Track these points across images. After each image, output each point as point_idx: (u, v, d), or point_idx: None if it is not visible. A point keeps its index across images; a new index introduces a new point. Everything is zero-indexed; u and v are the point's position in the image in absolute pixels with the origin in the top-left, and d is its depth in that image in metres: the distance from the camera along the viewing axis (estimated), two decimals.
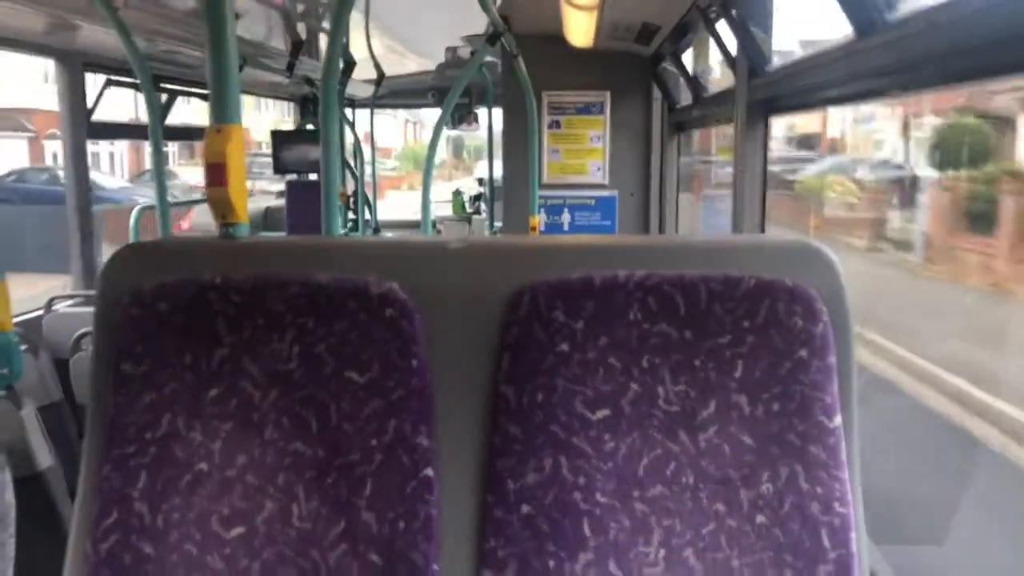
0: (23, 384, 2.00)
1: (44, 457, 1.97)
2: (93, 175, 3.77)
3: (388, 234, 6.45)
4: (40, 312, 3.08)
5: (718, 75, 3.83)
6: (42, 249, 6.51)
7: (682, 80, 4.17)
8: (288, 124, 6.91)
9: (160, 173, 3.33)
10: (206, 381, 1.04)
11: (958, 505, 2.17)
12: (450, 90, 3.01)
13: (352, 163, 6.12)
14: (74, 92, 3.39)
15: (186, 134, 4.54)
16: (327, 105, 1.78)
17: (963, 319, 2.68)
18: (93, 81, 3.53)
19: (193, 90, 4.04)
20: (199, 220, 7.95)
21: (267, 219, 6.70)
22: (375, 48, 5.02)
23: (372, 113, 6.49)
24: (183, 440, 1.03)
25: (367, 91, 5.74)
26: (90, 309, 1.10)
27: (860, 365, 1.06)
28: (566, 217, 4.79)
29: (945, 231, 3.01)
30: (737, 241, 1.15)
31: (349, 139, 6.13)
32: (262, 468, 1.04)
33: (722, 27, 2.91)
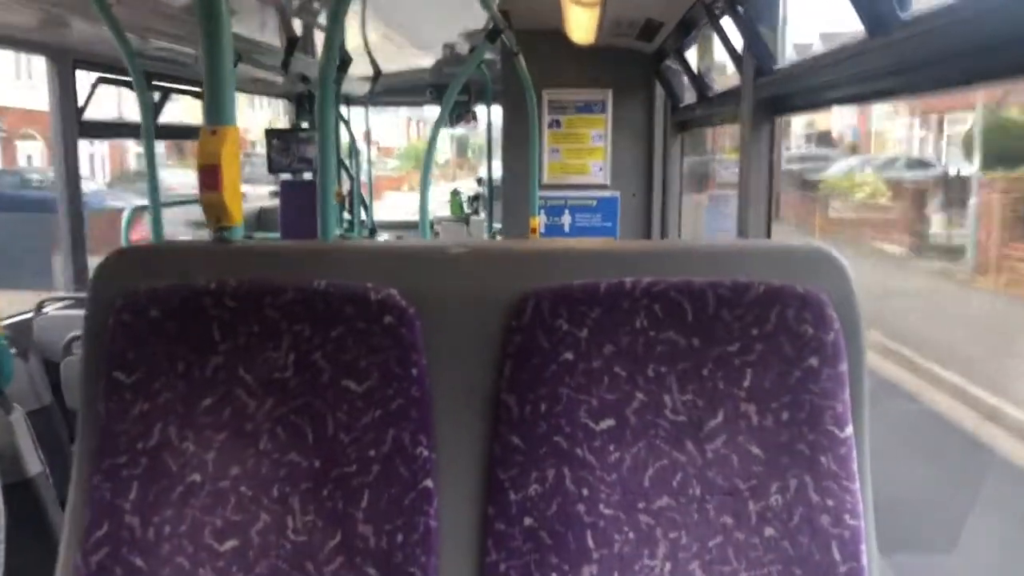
0: (13, 388, 1.97)
1: (33, 463, 1.94)
2: None
3: (384, 235, 6.43)
4: (31, 314, 3.05)
5: (723, 73, 3.80)
6: (11, 263, 5.96)
7: (686, 78, 4.14)
8: (282, 122, 6.87)
9: (153, 174, 3.29)
10: (199, 389, 1.01)
11: None
12: (448, 87, 2.98)
13: (348, 162, 6.09)
14: (65, 90, 3.36)
15: (180, 133, 4.51)
16: (323, 103, 1.75)
17: None
18: (83, 79, 3.49)
19: (186, 88, 4.01)
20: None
21: (261, 220, 6.67)
22: (372, 44, 4.99)
23: (367, 111, 6.47)
24: (176, 450, 1.01)
25: (363, 88, 5.72)
26: (81, 312, 1.07)
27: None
28: (567, 218, 4.76)
29: (997, 237, 2.67)
30: (745, 246, 1.12)
31: (345, 138, 6.11)
32: (256, 479, 1.01)
33: (728, 24, 2.88)
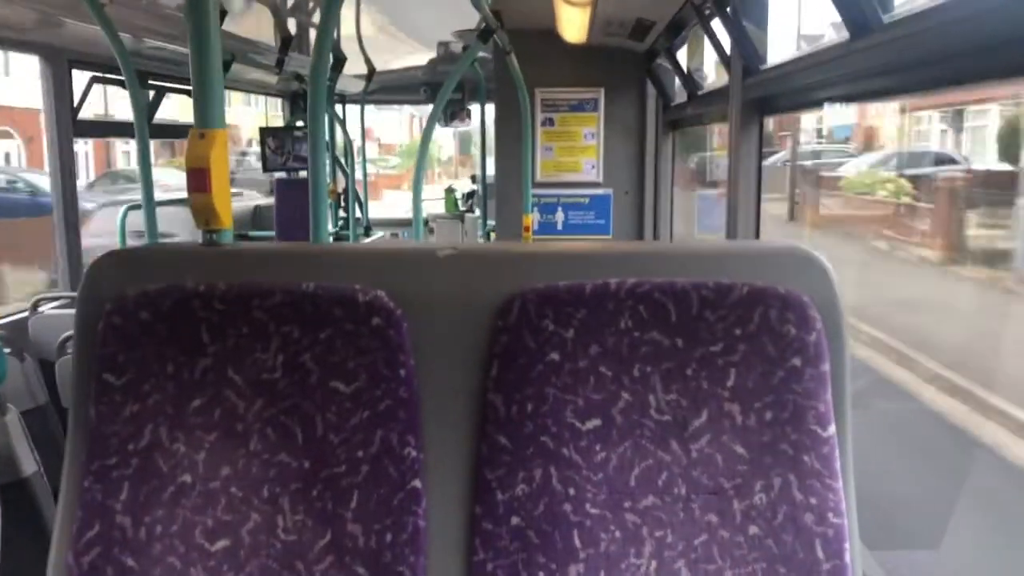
0: (7, 387, 1.98)
1: (28, 463, 1.94)
2: (35, 177, 3.71)
3: (380, 233, 6.42)
4: (26, 314, 3.05)
5: (713, 73, 3.81)
6: None
7: (677, 77, 4.15)
8: (280, 118, 6.85)
9: (147, 173, 3.29)
10: (189, 391, 1.02)
11: None
12: (442, 86, 2.98)
13: (343, 160, 6.08)
14: (60, 90, 3.35)
15: (175, 132, 4.50)
16: (315, 101, 1.75)
17: None
18: (77, 79, 3.48)
19: (181, 87, 4.00)
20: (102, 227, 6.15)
21: (256, 218, 6.66)
22: (366, 42, 4.99)
23: (363, 109, 6.46)
24: (166, 451, 1.02)
25: (358, 86, 5.71)
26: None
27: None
28: (560, 216, 4.77)
29: None
30: (729, 248, 1.13)
31: (341, 136, 6.10)
32: (246, 479, 1.02)
33: (717, 25, 2.89)
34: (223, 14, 2.42)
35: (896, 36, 1.55)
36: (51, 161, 3.42)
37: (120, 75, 3.08)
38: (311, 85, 1.76)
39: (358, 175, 6.45)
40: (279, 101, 6.59)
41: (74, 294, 1.23)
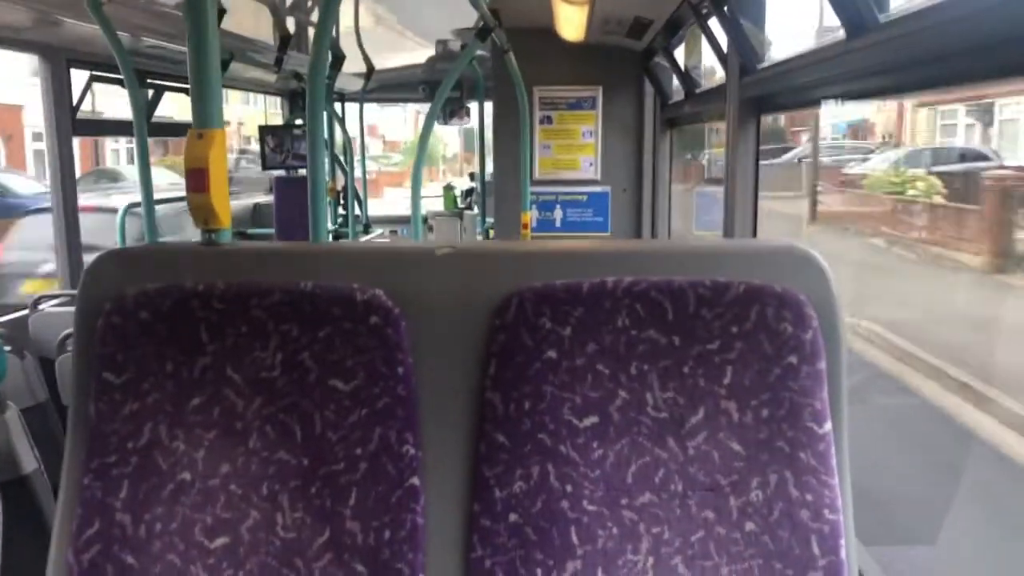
0: (8, 385, 1.98)
1: (28, 460, 1.95)
2: (6, 178, 3.67)
3: (379, 230, 6.42)
4: (26, 312, 3.06)
5: (711, 71, 3.81)
6: None
7: (674, 76, 4.15)
8: (279, 116, 6.84)
9: (146, 172, 3.29)
10: (188, 389, 1.03)
11: None
12: (441, 84, 2.98)
13: (343, 158, 6.08)
14: (59, 89, 3.35)
15: (173, 130, 4.50)
16: (314, 100, 1.76)
17: None
18: (75, 78, 3.48)
19: (179, 86, 4.00)
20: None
21: (255, 215, 6.66)
22: (365, 41, 4.98)
23: (362, 107, 6.45)
24: (166, 449, 1.02)
25: (357, 85, 5.70)
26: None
27: None
28: (558, 213, 4.77)
29: None
30: (726, 246, 1.14)
31: (339, 134, 6.10)
32: (246, 477, 1.03)
33: (715, 24, 2.89)
34: (221, 12, 2.42)
35: (893, 35, 1.55)
36: (50, 160, 3.42)
37: (119, 74, 3.08)
38: (310, 83, 1.76)
39: (357, 173, 6.44)
40: (277, 99, 6.59)
41: (74, 292, 1.23)
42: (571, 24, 3.98)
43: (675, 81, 4.25)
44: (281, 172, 5.93)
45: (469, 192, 6.96)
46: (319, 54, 1.73)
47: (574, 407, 1.01)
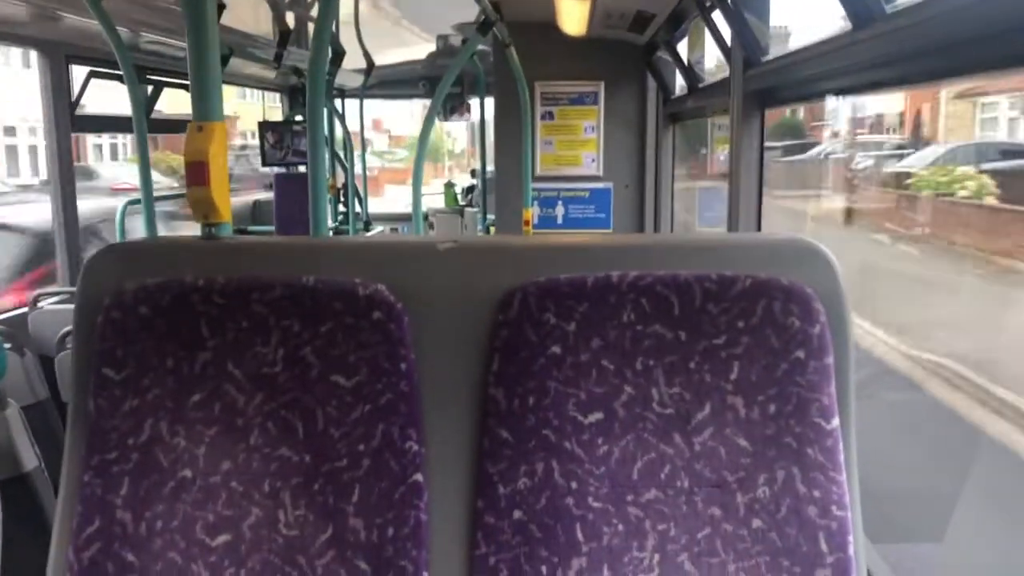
0: (7, 383, 1.98)
1: (29, 458, 1.94)
2: None
3: (379, 227, 6.42)
4: (26, 309, 3.06)
5: (714, 65, 3.79)
6: None
7: (677, 70, 4.14)
8: (279, 112, 6.83)
9: (145, 168, 3.28)
10: (189, 385, 1.02)
11: None
12: (441, 80, 2.97)
13: (343, 155, 6.07)
14: (58, 84, 3.34)
15: (174, 127, 4.49)
16: (314, 96, 1.75)
17: None
18: (75, 74, 3.47)
19: (179, 81, 3.99)
20: None
21: (256, 212, 6.66)
22: (365, 36, 4.97)
23: (362, 103, 6.44)
24: (166, 446, 1.01)
25: (357, 80, 5.69)
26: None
27: None
28: (560, 210, 4.76)
29: None
30: (732, 239, 1.13)
31: (339, 131, 6.09)
32: (247, 474, 1.02)
33: (718, 16, 2.88)
34: (221, 8, 2.41)
35: (899, 26, 1.54)
36: (49, 157, 3.41)
37: (118, 70, 3.07)
38: (310, 79, 1.75)
39: (357, 169, 6.44)
40: (276, 93, 6.58)
41: (73, 289, 1.22)
42: (573, 18, 3.96)
43: (678, 76, 4.23)
44: (281, 169, 5.93)
45: (470, 189, 6.95)
46: (319, 50, 1.72)
47: (579, 403, 1.01)
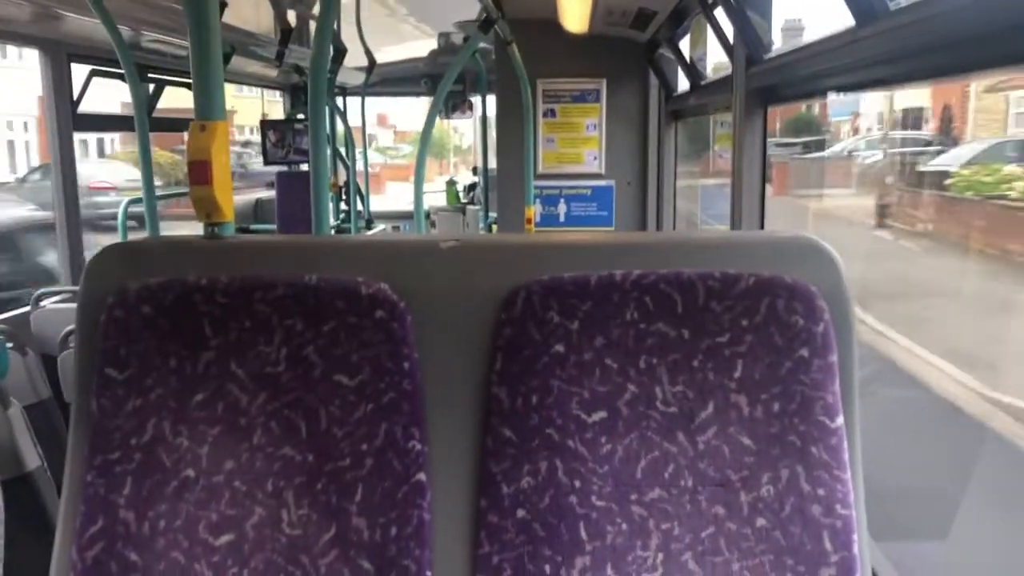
0: (10, 382, 1.98)
1: (32, 458, 1.95)
2: None
3: (381, 225, 6.42)
4: (28, 308, 3.06)
5: (716, 62, 3.77)
6: None
7: (679, 67, 4.13)
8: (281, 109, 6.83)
9: (147, 166, 3.28)
10: (192, 385, 1.02)
11: None
12: (443, 77, 2.97)
13: (344, 153, 6.07)
14: (59, 83, 3.34)
15: (176, 125, 4.50)
16: (316, 94, 1.75)
17: None
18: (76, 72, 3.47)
19: (181, 80, 3.99)
20: None
21: (258, 211, 6.67)
22: (366, 34, 4.97)
23: (363, 101, 6.44)
24: (169, 445, 1.01)
25: (358, 78, 5.69)
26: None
27: None
28: (562, 207, 4.76)
29: None
30: (735, 238, 1.13)
31: (341, 128, 6.09)
32: (250, 473, 1.02)
33: (720, 14, 2.87)
34: (223, 6, 2.40)
35: (903, 23, 1.53)
36: (52, 155, 3.42)
37: (119, 68, 3.07)
38: (311, 77, 1.75)
39: (359, 167, 6.44)
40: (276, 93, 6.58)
41: (76, 288, 1.22)
42: (574, 15, 3.96)
43: (680, 73, 4.22)
44: (283, 167, 5.93)
45: (472, 187, 6.94)
46: (321, 48, 1.72)
47: (582, 401, 1.00)
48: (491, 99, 5.88)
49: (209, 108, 1.18)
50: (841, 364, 1.00)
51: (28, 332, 2.96)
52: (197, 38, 1.18)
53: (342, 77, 5.09)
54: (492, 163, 5.68)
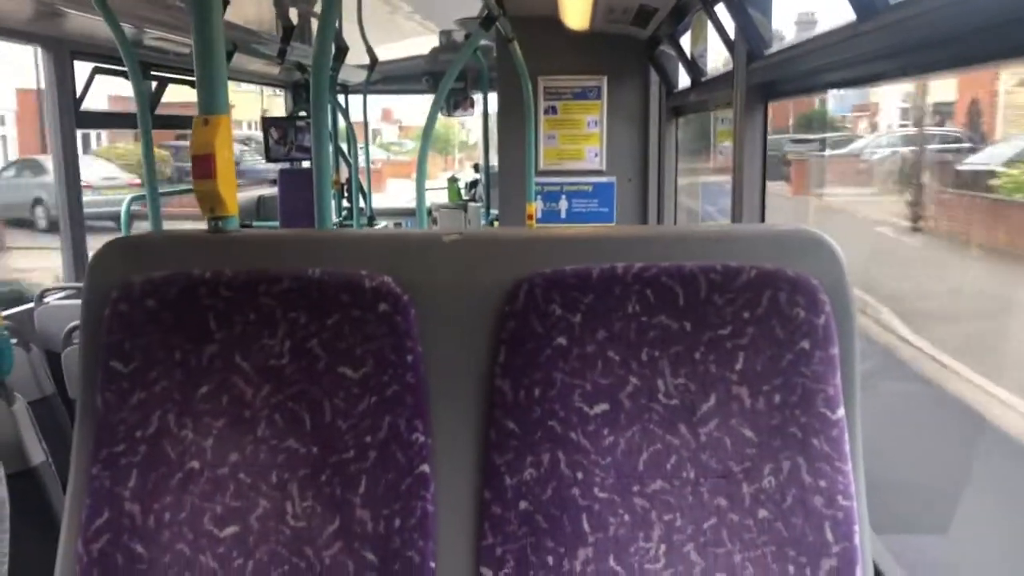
0: (14, 378, 1.99)
1: (36, 453, 1.95)
2: None
3: (383, 222, 6.42)
4: (32, 304, 3.07)
5: (717, 58, 3.77)
6: None
7: (680, 64, 4.12)
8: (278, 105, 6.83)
9: (150, 163, 3.29)
10: (196, 378, 1.03)
11: None
12: (444, 75, 2.97)
13: (346, 150, 6.08)
14: (62, 80, 3.35)
15: (178, 123, 4.50)
16: (318, 91, 1.75)
17: None
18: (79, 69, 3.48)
19: (183, 77, 4.00)
20: None
21: (260, 207, 6.67)
22: (368, 32, 4.97)
23: (365, 99, 6.44)
24: (174, 438, 1.02)
25: (360, 76, 5.69)
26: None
27: None
28: (563, 204, 4.75)
29: None
30: (736, 231, 1.13)
31: (343, 125, 6.10)
32: (255, 466, 1.02)
33: (720, 9, 2.87)
34: (225, 3, 2.41)
35: (903, 17, 1.53)
36: (54, 153, 3.42)
37: (122, 65, 3.07)
38: (313, 75, 1.75)
39: (361, 164, 6.44)
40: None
41: (79, 285, 1.23)
42: (576, 12, 3.96)
43: (681, 69, 4.22)
44: (285, 164, 5.94)
45: (473, 184, 6.95)
46: (323, 45, 1.72)
47: (584, 394, 1.01)
48: (492, 96, 5.88)
49: (212, 103, 1.18)
50: (842, 356, 1.00)
51: (32, 328, 2.97)
52: (200, 35, 1.19)
53: (344, 75, 5.10)
54: (494, 160, 5.68)
